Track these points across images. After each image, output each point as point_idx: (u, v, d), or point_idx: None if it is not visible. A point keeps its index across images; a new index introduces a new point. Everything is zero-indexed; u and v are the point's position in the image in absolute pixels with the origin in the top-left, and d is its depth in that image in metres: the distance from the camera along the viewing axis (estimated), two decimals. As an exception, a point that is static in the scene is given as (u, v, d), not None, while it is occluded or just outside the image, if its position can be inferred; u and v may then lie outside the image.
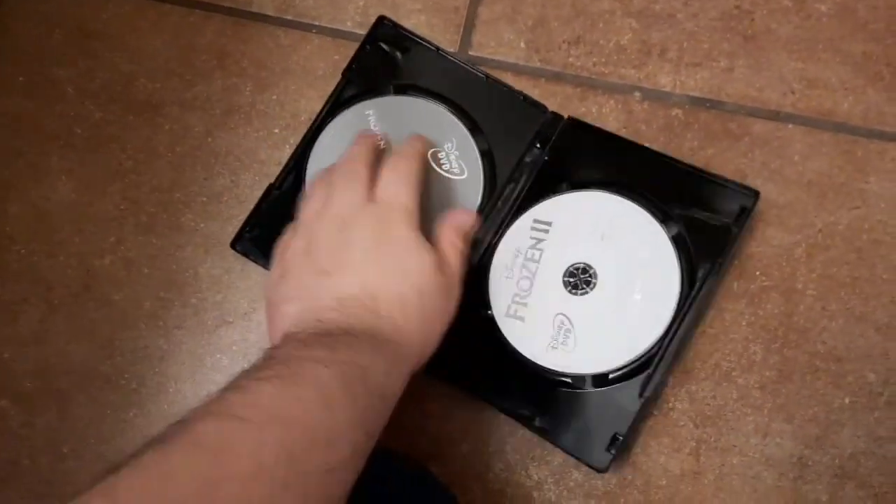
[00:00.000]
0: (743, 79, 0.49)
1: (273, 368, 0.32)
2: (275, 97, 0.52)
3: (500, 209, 0.47)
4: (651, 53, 0.50)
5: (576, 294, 0.44)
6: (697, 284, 0.43)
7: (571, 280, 0.44)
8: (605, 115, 0.49)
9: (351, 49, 0.51)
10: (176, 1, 0.55)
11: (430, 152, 0.47)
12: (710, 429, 0.45)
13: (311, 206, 0.42)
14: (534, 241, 0.46)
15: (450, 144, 0.48)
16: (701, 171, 0.45)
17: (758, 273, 0.46)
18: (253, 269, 0.50)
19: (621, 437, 0.42)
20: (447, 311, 0.40)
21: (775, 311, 0.45)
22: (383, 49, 0.50)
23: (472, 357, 0.46)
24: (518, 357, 0.44)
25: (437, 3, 0.52)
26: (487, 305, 0.46)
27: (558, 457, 0.45)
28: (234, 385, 0.31)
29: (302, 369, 0.32)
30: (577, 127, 0.48)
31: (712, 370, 0.45)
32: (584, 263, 0.44)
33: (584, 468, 0.45)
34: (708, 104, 0.49)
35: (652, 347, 0.42)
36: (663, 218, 0.44)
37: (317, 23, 0.53)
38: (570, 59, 0.51)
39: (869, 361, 0.44)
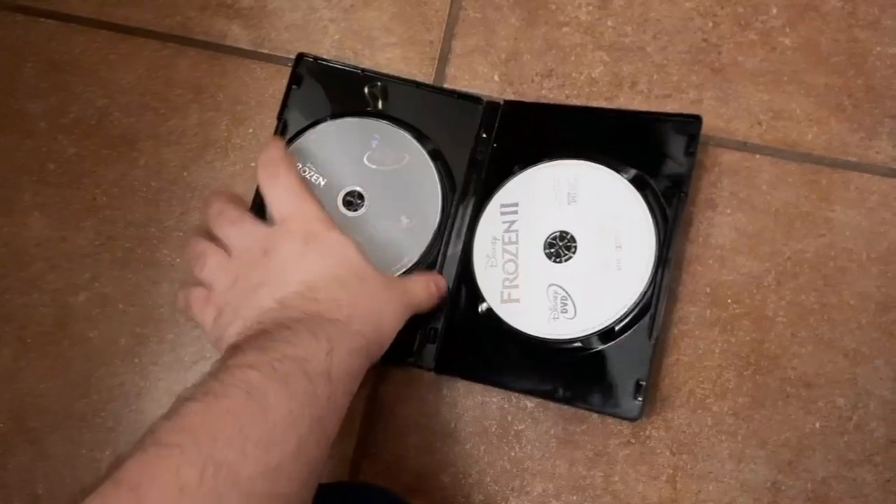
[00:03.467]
0: (712, 110, 0.50)
1: (205, 385, 0.32)
2: (251, 131, 0.53)
3: (465, 204, 0.48)
4: (622, 85, 0.51)
5: (560, 262, 0.45)
6: (670, 217, 0.44)
7: (552, 250, 0.46)
8: (579, 146, 0.50)
9: (326, 82, 0.51)
10: (149, 34, 0.55)
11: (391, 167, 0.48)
12: (686, 456, 0.45)
13: (214, 260, 0.41)
14: (507, 225, 0.47)
15: (400, 156, 0.49)
16: (640, 112, 0.47)
17: (729, 301, 0.47)
18: (230, 303, 0.50)
19: (644, 383, 0.42)
20: (391, 301, 0.40)
21: (747, 339, 0.46)
22: (311, 83, 0.51)
23: (480, 351, 0.46)
24: (524, 337, 0.45)
25: (412, 36, 0.53)
26: (481, 298, 0.46)
27: (538, 487, 0.46)
28: (169, 411, 0.31)
29: (231, 378, 0.32)
30: (516, 107, 0.50)
31: (687, 398, 0.46)
32: (560, 231, 0.46)
33: (565, 497, 0.46)
34: (678, 135, 0.50)
35: (647, 289, 0.43)
36: (619, 167, 0.46)
37: (292, 56, 0.53)
38: (544, 91, 0.51)
39: (838, 386, 0.45)
